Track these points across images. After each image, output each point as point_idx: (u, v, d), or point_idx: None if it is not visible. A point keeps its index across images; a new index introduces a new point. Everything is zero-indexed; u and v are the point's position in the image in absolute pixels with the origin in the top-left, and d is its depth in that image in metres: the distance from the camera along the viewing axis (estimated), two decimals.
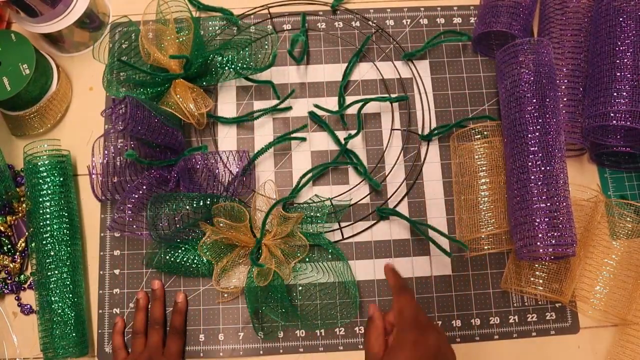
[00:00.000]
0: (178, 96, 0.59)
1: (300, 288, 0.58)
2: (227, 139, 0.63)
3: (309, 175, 0.61)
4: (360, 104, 0.62)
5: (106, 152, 0.56)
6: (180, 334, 0.56)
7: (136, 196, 0.56)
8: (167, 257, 0.57)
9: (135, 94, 0.59)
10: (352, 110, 0.63)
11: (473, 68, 0.66)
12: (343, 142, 0.61)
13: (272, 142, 0.62)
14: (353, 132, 0.62)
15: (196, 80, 0.62)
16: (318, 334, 0.58)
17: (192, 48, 0.61)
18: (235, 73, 0.61)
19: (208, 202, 0.55)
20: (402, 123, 0.64)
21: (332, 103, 0.64)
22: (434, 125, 0.64)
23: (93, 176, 0.55)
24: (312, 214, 0.58)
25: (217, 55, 0.61)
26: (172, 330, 0.56)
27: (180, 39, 0.62)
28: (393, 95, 0.64)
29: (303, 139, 0.63)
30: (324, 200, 0.60)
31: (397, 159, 0.62)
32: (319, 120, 0.63)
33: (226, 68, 0.61)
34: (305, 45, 0.65)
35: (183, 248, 0.57)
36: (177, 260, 0.57)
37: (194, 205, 0.55)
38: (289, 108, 0.64)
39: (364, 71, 0.65)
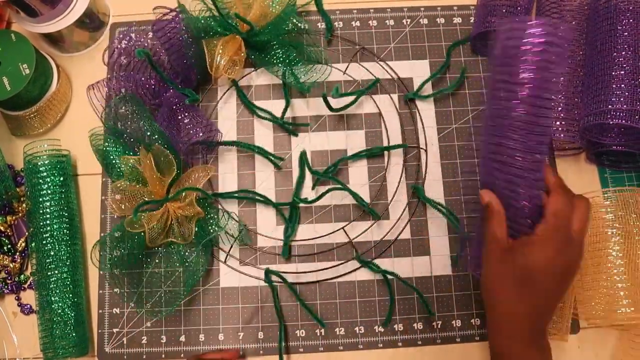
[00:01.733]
0: (221, 46, 0.59)
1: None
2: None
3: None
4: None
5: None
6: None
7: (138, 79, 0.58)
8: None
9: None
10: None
11: (473, 68, 0.66)
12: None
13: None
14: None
15: (247, 47, 0.62)
16: (318, 334, 0.58)
17: (271, 22, 0.61)
18: (282, 74, 0.61)
19: (161, 141, 0.56)
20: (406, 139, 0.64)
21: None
22: (430, 123, 0.64)
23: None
24: (214, 225, 0.57)
25: (281, 47, 0.62)
26: None
27: (268, 2, 0.62)
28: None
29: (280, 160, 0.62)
30: (238, 224, 0.59)
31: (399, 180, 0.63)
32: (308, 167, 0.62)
33: (279, 64, 0.61)
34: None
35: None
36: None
37: (152, 133, 0.56)
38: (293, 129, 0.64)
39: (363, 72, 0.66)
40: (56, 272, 0.55)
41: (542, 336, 0.43)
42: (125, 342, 0.57)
